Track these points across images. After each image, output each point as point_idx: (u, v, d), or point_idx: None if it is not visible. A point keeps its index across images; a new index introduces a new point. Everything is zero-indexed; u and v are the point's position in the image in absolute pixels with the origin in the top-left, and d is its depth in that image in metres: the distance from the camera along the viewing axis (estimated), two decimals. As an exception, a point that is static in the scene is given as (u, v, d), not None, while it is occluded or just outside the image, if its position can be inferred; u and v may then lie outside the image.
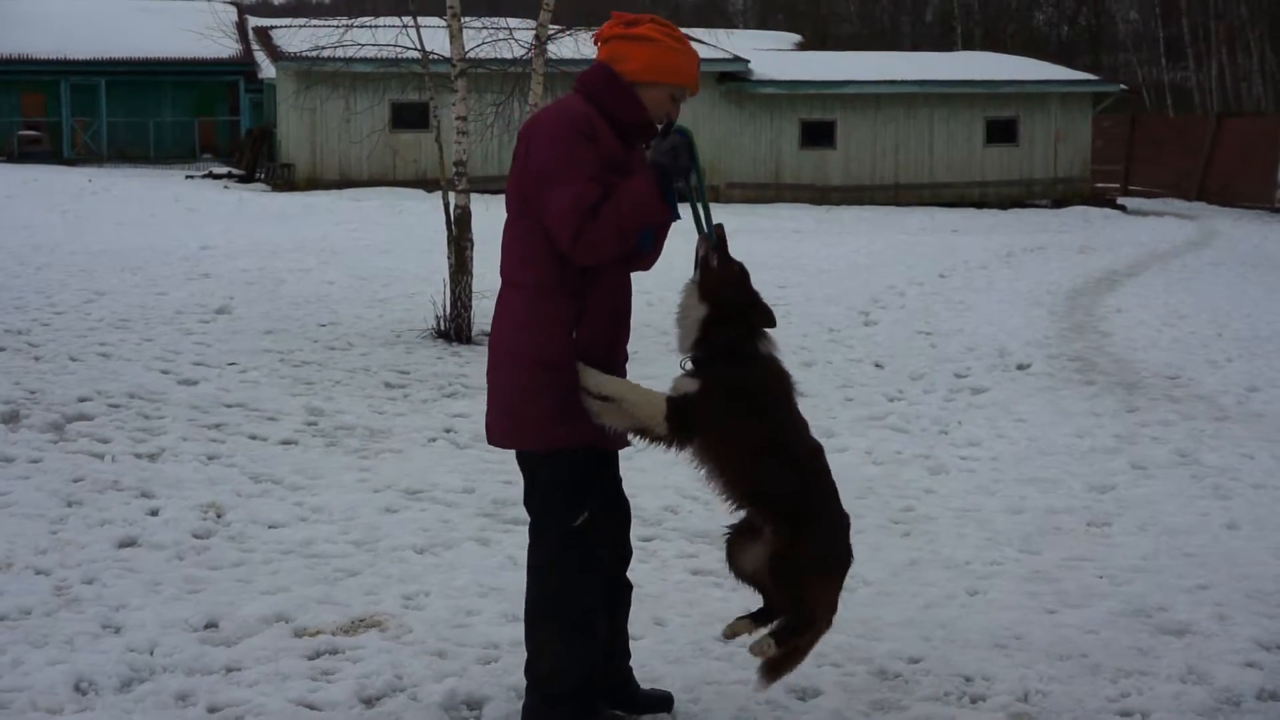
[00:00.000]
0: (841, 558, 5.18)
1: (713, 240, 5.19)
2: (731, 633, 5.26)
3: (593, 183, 5.02)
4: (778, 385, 5.17)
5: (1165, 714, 5.74)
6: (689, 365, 5.17)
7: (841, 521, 5.19)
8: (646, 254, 5.34)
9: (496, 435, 5.36)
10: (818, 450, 5.21)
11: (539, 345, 5.15)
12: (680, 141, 5.07)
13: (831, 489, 5.19)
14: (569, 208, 4.98)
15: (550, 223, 5.05)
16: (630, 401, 5.11)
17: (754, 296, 5.20)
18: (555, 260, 5.13)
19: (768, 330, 5.20)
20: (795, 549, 5.03)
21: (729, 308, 5.14)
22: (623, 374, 5.42)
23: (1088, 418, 11.94)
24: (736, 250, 5.26)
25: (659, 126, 5.20)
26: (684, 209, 5.10)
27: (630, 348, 5.53)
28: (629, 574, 5.62)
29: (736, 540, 5.23)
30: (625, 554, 5.58)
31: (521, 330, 5.20)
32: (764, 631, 5.15)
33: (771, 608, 5.17)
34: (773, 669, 5.13)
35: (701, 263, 5.21)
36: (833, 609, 5.17)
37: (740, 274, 5.19)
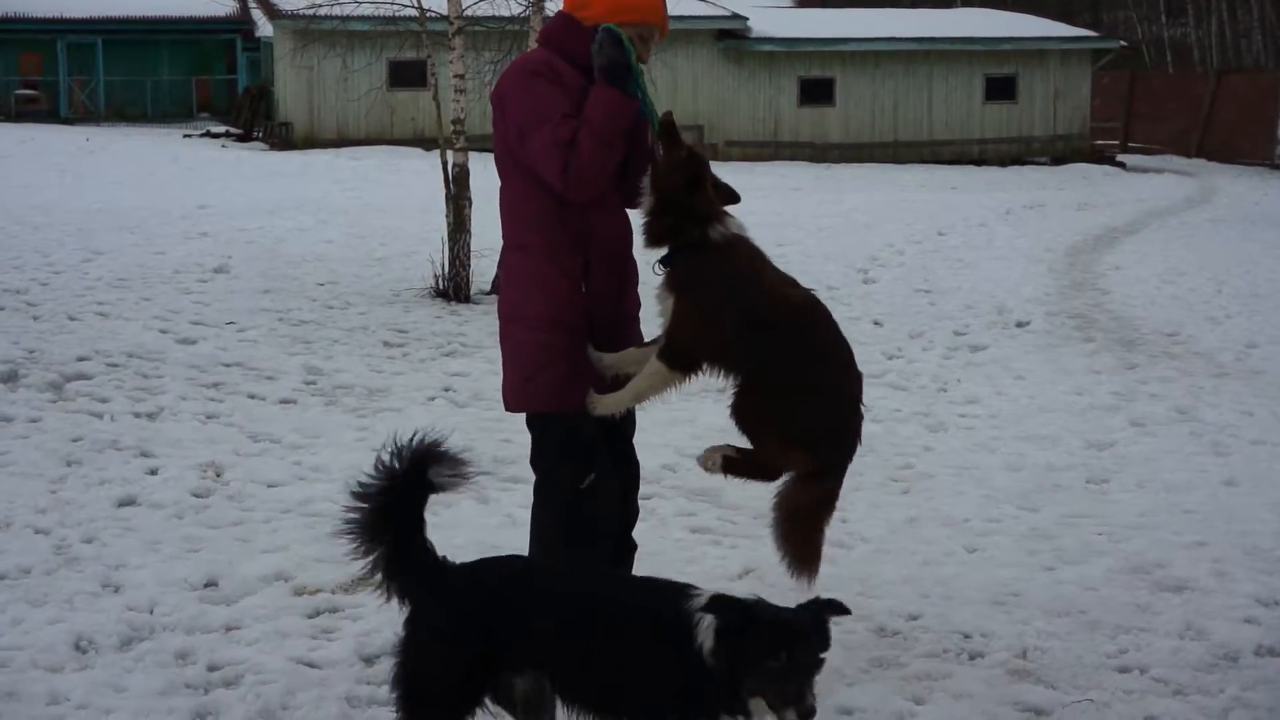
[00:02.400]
0: (820, 429, 5.13)
1: (657, 129, 5.16)
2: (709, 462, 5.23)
3: (566, 118, 5.03)
4: (738, 265, 5.08)
5: (1163, 669, 5.76)
6: (658, 267, 5.14)
7: (840, 387, 5.17)
8: (642, 173, 5.31)
9: (511, 400, 5.35)
10: (810, 306, 5.16)
11: (550, 305, 5.16)
12: (602, 36, 5.08)
13: (828, 346, 5.16)
14: (549, 145, 5.01)
15: (538, 167, 5.06)
16: (644, 391, 5.15)
17: (697, 179, 5.10)
18: (554, 218, 5.14)
19: (719, 218, 5.12)
20: (759, 401, 5.04)
21: (671, 197, 5.10)
22: (634, 323, 5.43)
23: (1087, 375, 11.94)
24: (735, 208, 5.24)
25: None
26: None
27: (644, 304, 5.52)
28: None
29: None
30: (632, 514, 5.58)
31: (530, 291, 5.21)
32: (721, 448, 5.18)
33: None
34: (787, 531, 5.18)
35: (649, 154, 5.20)
36: (789, 469, 5.17)
37: (687, 159, 5.11)
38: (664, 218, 5.10)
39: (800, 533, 5.22)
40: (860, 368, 5.38)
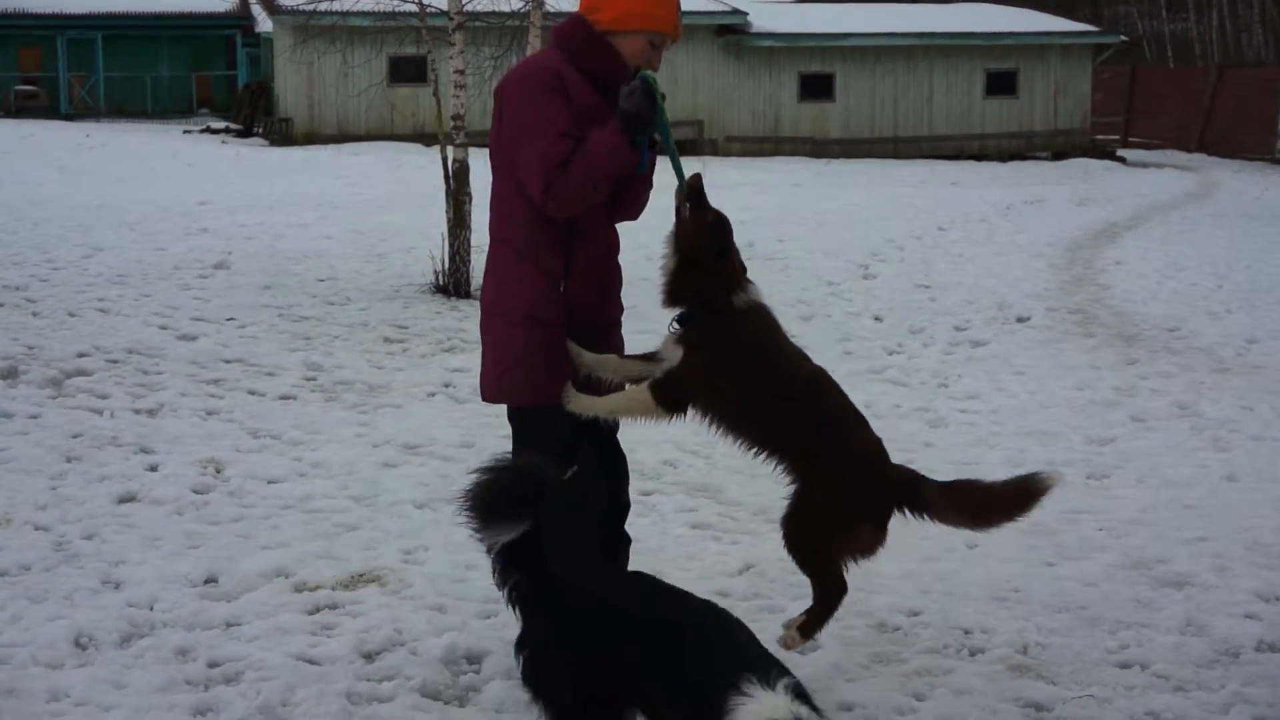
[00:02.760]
0: (854, 504, 5.13)
1: (684, 189, 5.17)
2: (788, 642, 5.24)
3: (563, 138, 5.01)
4: (758, 332, 5.15)
5: (1164, 665, 5.75)
6: (674, 325, 5.18)
7: (860, 455, 5.15)
8: (630, 202, 5.33)
9: (488, 391, 5.41)
10: (818, 378, 5.19)
11: (527, 300, 5.18)
12: (636, 85, 5.01)
13: (842, 418, 5.17)
14: (538, 162, 4.99)
15: (523, 178, 5.07)
16: (622, 410, 5.20)
17: (724, 246, 5.15)
18: (540, 216, 5.14)
19: (743, 285, 5.16)
20: (802, 501, 5.06)
21: (697, 260, 5.12)
22: (615, 329, 5.45)
23: (1087, 370, 11.93)
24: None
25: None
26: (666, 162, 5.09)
27: (630, 302, 5.53)
28: (628, 528, 5.63)
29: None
30: (623, 507, 5.58)
31: (510, 285, 5.24)
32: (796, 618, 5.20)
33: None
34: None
35: (676, 214, 5.21)
36: (847, 559, 5.19)
37: (714, 224, 5.15)
38: (689, 280, 5.13)
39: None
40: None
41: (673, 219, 5.25)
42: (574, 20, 5.26)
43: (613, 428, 5.51)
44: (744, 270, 5.25)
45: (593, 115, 5.09)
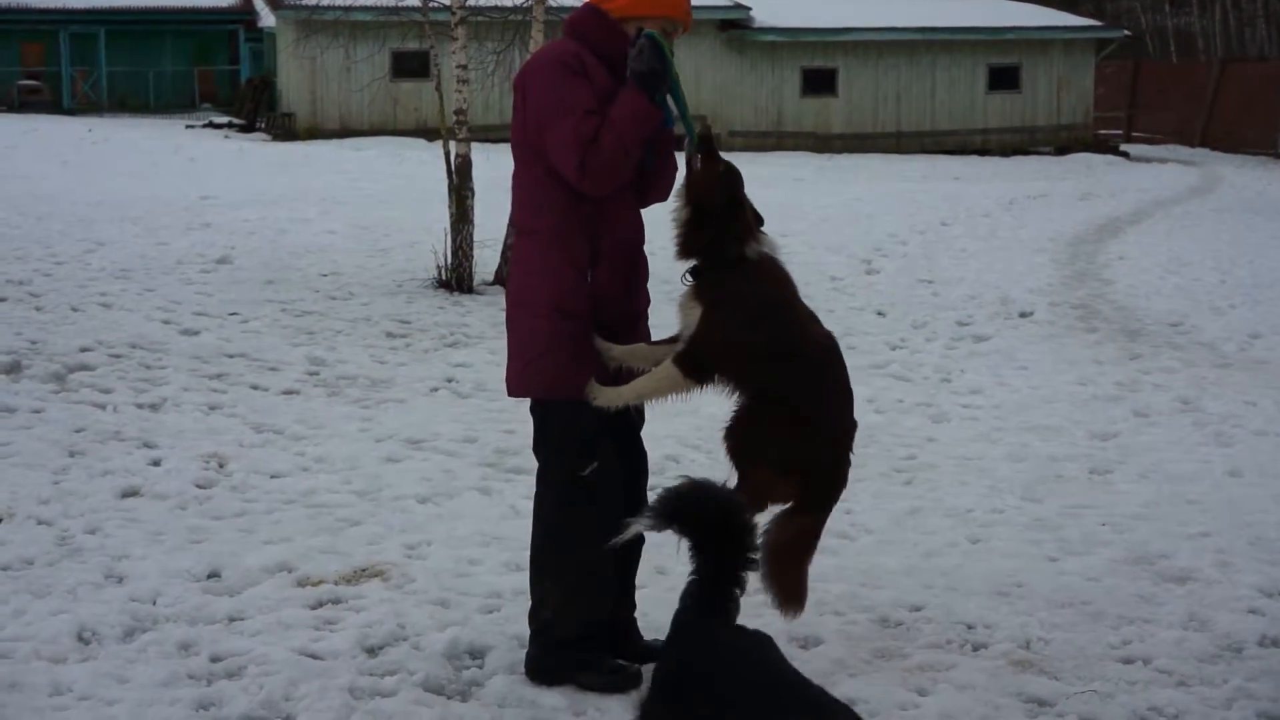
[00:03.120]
0: (816, 464, 5.16)
1: (695, 141, 5.17)
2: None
3: (590, 114, 5.04)
4: (769, 288, 5.15)
5: (1167, 661, 5.75)
6: (687, 277, 5.17)
7: (839, 429, 5.19)
8: (658, 180, 5.34)
9: (511, 384, 5.36)
10: (829, 346, 5.21)
11: (553, 292, 5.17)
12: (644, 42, 5.06)
13: (839, 387, 5.20)
14: (569, 140, 5.01)
15: (555, 159, 5.07)
16: (650, 391, 5.17)
17: (738, 199, 5.15)
18: (567, 206, 5.15)
19: (757, 235, 5.17)
20: (760, 428, 5.07)
21: (710, 210, 5.12)
22: (641, 320, 5.45)
23: (1090, 365, 11.93)
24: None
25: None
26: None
27: (659, 299, 5.52)
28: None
29: None
30: (638, 503, 5.57)
31: (535, 277, 5.22)
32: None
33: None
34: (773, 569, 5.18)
35: (686, 165, 5.21)
36: (775, 500, 5.19)
37: (725, 175, 5.16)
38: (701, 231, 5.12)
39: (786, 570, 5.25)
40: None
41: (683, 171, 5.26)
42: (587, 8, 5.30)
43: (636, 426, 5.50)
44: (760, 221, 5.23)
45: (611, 97, 5.13)
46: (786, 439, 5.09)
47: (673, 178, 5.43)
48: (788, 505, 5.23)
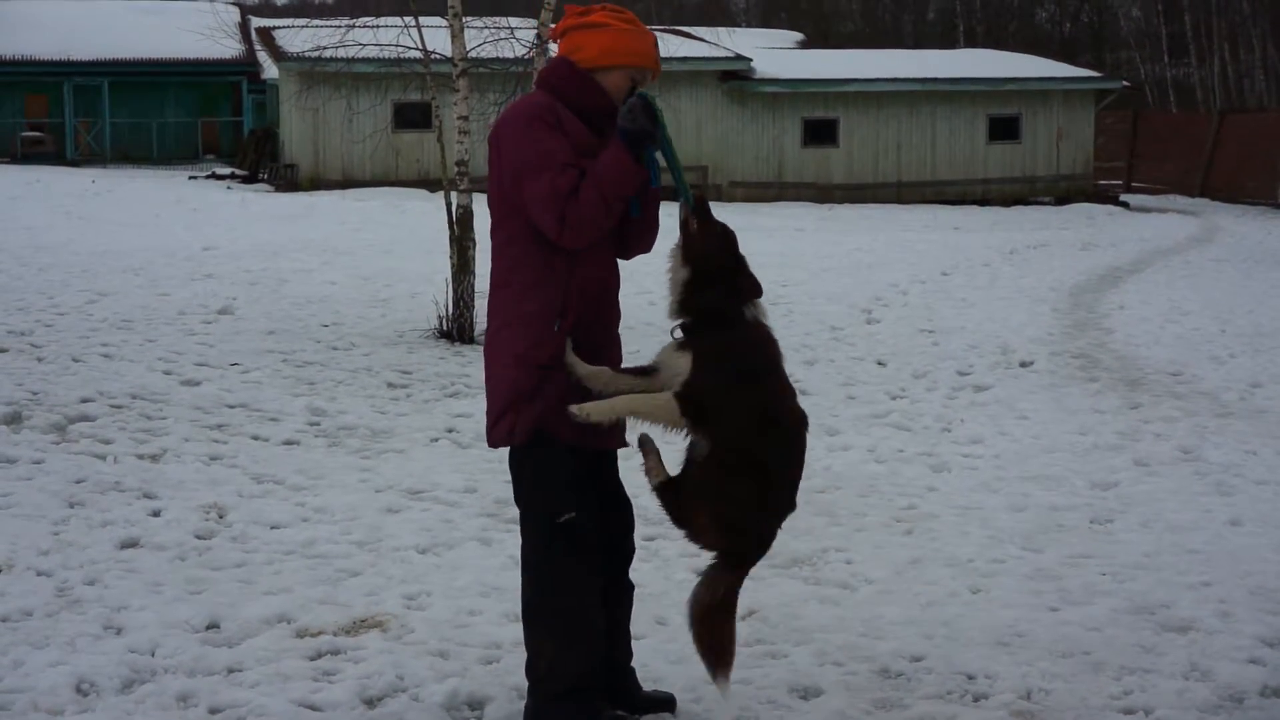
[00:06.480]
0: (753, 527, 5.17)
1: (690, 203, 5.19)
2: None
3: (567, 168, 5.05)
4: (764, 351, 5.17)
5: (1168, 711, 5.73)
6: (678, 333, 5.18)
7: (788, 505, 5.21)
8: (644, 231, 5.35)
9: (491, 435, 5.40)
10: (801, 422, 5.23)
11: (525, 344, 5.20)
12: (635, 102, 5.08)
13: (797, 471, 5.22)
14: (547, 195, 5.03)
15: (533, 214, 5.08)
16: (643, 414, 5.15)
17: (737, 260, 5.17)
18: (540, 260, 5.17)
19: (755, 298, 5.18)
20: (716, 477, 5.09)
21: (710, 270, 5.14)
22: (615, 366, 5.44)
23: (1091, 415, 11.93)
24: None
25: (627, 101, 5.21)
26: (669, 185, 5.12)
27: (631, 348, 5.53)
28: (631, 574, 5.61)
29: None
30: (626, 554, 5.57)
31: (506, 330, 5.26)
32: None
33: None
34: (700, 625, 5.21)
35: (682, 226, 5.22)
36: (704, 547, 5.25)
37: (722, 236, 5.18)
38: (703, 291, 5.13)
39: (715, 632, 5.25)
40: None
41: (678, 235, 5.27)
42: (557, 61, 5.33)
43: (615, 477, 5.49)
44: (759, 291, 5.25)
45: (587, 150, 5.14)
46: (743, 498, 5.10)
47: (656, 230, 5.44)
48: (711, 560, 5.24)
